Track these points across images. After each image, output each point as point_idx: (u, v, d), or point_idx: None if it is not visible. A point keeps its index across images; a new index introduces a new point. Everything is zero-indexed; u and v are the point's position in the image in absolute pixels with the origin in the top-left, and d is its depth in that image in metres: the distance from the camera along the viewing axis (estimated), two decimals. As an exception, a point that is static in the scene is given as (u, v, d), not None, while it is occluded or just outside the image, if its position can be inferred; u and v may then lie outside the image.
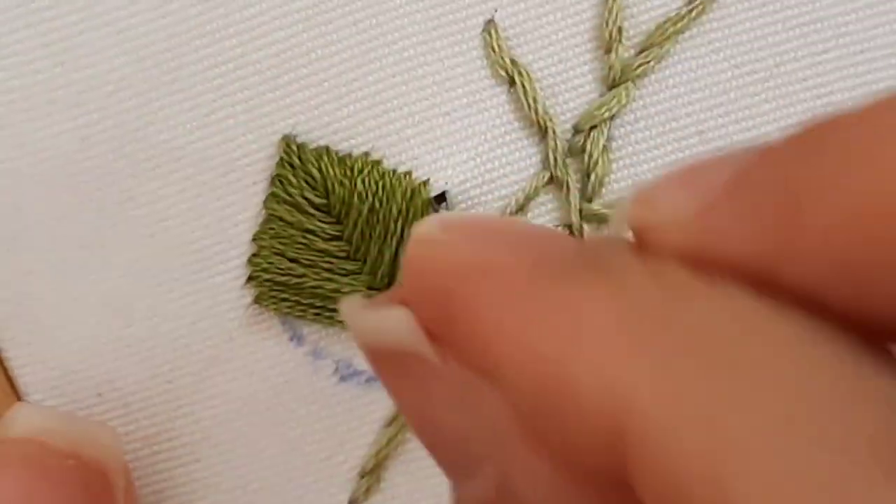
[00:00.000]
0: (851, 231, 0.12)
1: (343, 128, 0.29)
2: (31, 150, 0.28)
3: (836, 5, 0.28)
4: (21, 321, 0.29)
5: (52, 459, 0.25)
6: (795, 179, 0.13)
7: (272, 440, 0.29)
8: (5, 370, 0.29)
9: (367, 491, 0.29)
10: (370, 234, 0.28)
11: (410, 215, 0.28)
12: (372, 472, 0.29)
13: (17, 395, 0.29)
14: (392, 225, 0.28)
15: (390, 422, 0.29)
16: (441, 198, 0.29)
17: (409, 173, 0.29)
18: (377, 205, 0.28)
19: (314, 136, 0.29)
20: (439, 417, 0.15)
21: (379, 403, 0.29)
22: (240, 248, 0.29)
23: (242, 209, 0.29)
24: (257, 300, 0.29)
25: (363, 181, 0.28)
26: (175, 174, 0.28)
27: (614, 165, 0.29)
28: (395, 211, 0.28)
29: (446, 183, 0.29)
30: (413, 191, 0.28)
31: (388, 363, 0.16)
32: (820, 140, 0.12)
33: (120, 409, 0.29)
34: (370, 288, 0.28)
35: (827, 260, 0.12)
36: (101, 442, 0.26)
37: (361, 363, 0.29)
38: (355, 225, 0.28)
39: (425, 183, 0.29)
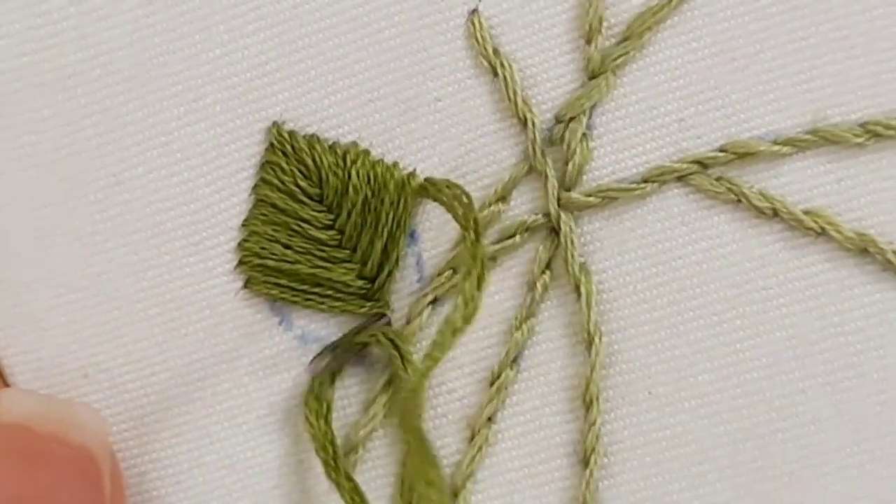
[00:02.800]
0: None
1: (329, 116, 0.29)
2: (17, 133, 0.28)
3: (815, -7, 0.29)
4: (6, 304, 0.29)
5: (39, 444, 0.25)
6: None
7: (259, 421, 0.29)
8: (-9, 353, 0.29)
9: (353, 466, 0.29)
10: (363, 224, 0.29)
11: (401, 206, 0.29)
12: (357, 449, 0.29)
13: (2, 378, 0.29)
14: (384, 216, 0.28)
15: (373, 401, 0.29)
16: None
17: (396, 164, 0.29)
18: (370, 195, 0.28)
19: (301, 123, 0.29)
20: None
21: (363, 385, 0.29)
22: (228, 233, 0.29)
23: (231, 194, 0.29)
24: (249, 284, 0.29)
25: (357, 172, 0.28)
26: (163, 159, 0.29)
27: (595, 154, 0.29)
28: (387, 202, 0.28)
29: (432, 172, 0.29)
30: (403, 182, 0.29)
31: None
32: None
33: (106, 391, 0.29)
34: (360, 277, 0.29)
35: None
36: (88, 425, 0.27)
37: (348, 347, 0.29)
38: (349, 215, 0.28)
39: (412, 174, 0.29)
